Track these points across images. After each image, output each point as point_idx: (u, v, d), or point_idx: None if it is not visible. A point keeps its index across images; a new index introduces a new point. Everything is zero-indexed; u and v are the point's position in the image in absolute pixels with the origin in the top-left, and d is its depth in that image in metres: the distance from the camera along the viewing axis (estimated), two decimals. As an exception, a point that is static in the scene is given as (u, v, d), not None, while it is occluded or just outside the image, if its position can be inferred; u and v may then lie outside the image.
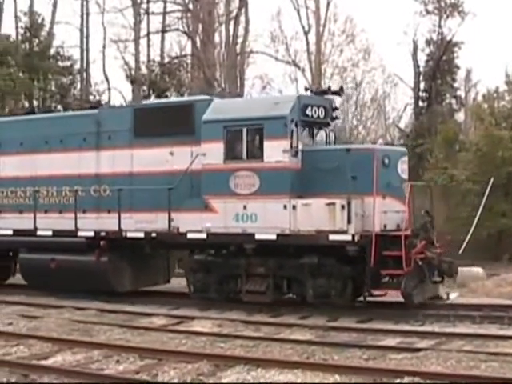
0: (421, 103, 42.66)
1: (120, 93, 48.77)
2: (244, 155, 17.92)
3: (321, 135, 19.05)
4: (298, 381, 10.91)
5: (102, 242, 20.00)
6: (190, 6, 44.87)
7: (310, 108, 18.08)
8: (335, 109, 19.26)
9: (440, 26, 41.82)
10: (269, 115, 17.64)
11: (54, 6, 45.80)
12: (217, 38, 45.70)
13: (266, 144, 17.57)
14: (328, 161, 17.45)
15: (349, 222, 16.58)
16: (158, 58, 45.61)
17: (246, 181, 17.80)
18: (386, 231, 16.95)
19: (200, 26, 43.83)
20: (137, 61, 44.31)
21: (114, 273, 20.21)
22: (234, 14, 45.60)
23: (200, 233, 18.26)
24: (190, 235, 18.44)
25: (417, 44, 43.14)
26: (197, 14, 43.73)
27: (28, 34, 41.35)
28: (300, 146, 17.78)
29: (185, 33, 45.69)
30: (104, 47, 47.71)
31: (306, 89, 20.30)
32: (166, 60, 44.56)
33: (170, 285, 21.67)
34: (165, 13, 46.19)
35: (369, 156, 17.01)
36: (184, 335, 14.59)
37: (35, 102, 41.15)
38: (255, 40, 50.18)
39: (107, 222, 20.05)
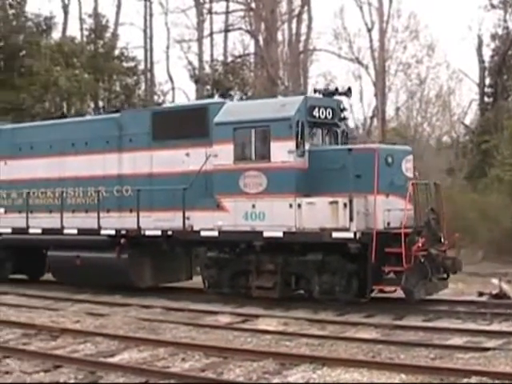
0: (486, 99, 42.08)
1: (184, 92, 49.14)
2: (252, 156, 18.62)
3: (331, 135, 19.46)
4: (364, 380, 10.83)
5: (122, 240, 20.87)
6: (253, 5, 44.90)
7: (317, 109, 18.57)
8: (343, 109, 19.59)
9: (505, 21, 41.19)
10: (275, 117, 18.27)
11: (118, 7, 46.36)
12: (280, 37, 45.68)
13: (273, 145, 18.20)
14: (332, 161, 17.98)
15: (351, 219, 17.04)
16: (221, 58, 45.80)
17: (254, 180, 18.49)
18: (390, 229, 17.25)
19: (263, 25, 43.80)
20: (200, 60, 44.50)
21: (134, 269, 21.06)
22: (296, 11, 45.58)
23: (212, 231, 18.97)
24: (203, 233, 19.17)
25: (481, 39, 42.62)
26: (259, 12, 43.72)
27: (93, 36, 41.91)
28: (307, 147, 18.30)
29: (248, 32, 45.75)
30: (168, 47, 48.11)
31: (315, 90, 20.43)
32: (230, 59, 44.69)
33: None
34: (227, 12, 46.31)
35: (371, 155, 17.38)
36: (249, 333, 14.61)
37: (100, 103, 41.67)
38: (318, 38, 50.15)
39: (128, 221, 20.86)
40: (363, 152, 18.04)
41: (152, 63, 46.70)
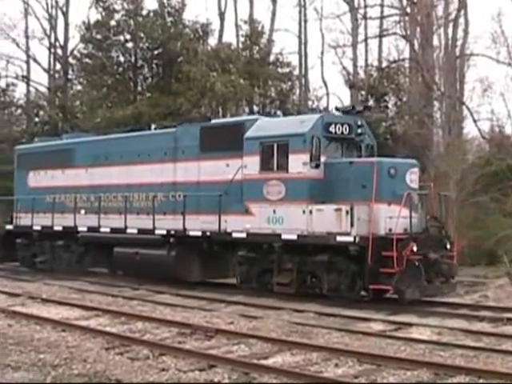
0: None
1: (338, 98, 49.07)
2: (274, 167, 21.05)
3: (353, 149, 21.57)
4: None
5: (171, 239, 23.80)
6: (408, 10, 44.22)
7: (333, 125, 20.77)
8: (360, 126, 21.28)
9: None
10: (293, 132, 20.72)
11: (273, 13, 46.74)
12: (435, 41, 44.65)
13: (291, 157, 20.59)
14: (340, 172, 20.22)
15: (352, 225, 19.13)
16: (375, 63, 45.22)
17: (275, 189, 20.96)
18: (389, 234, 18.98)
19: (418, 29, 43.10)
20: (355, 66, 44.14)
21: (181, 265, 23.89)
22: (453, 15, 44.50)
23: (241, 232, 21.60)
24: (234, 234, 21.85)
25: None
26: (415, 17, 43.02)
27: (248, 42, 42.51)
28: (323, 159, 20.51)
29: (403, 36, 44.96)
30: (322, 53, 47.98)
31: (337, 109, 23.00)
32: (384, 64, 44.21)
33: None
34: (382, 17, 45.68)
35: (371, 167, 19.40)
36: (402, 342, 14.42)
37: (255, 108, 42.20)
38: (475, 42, 48.92)
39: (179, 223, 23.56)
40: (364, 164, 20.15)
41: (306, 69, 46.83)
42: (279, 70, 42.49)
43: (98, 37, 45.35)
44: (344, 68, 46.48)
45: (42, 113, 52.06)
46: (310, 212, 19.97)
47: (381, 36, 45.98)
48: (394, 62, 43.98)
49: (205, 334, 14.98)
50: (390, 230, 18.96)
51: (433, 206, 21.01)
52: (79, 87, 50.71)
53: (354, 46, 44.58)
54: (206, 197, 22.73)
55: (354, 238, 19.08)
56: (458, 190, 32.08)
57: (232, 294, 21.80)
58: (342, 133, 20.99)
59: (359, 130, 21.31)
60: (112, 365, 12.18)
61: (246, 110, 41.73)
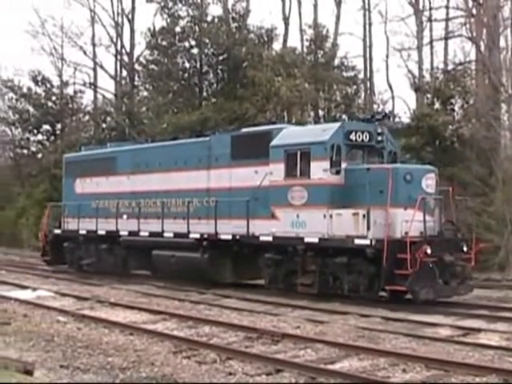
0: None
1: (404, 101, 48.71)
2: (298, 173, 21.91)
3: (375, 156, 22.31)
4: None
5: (204, 242, 24.82)
6: (474, 11, 43.72)
7: (353, 133, 21.55)
8: (380, 133, 21.99)
9: None
10: (314, 140, 21.59)
11: (337, 17, 46.61)
12: (502, 42, 44.14)
13: (312, 164, 21.46)
14: (359, 178, 20.86)
15: (368, 228, 19.86)
16: (441, 65, 44.76)
17: (298, 194, 21.85)
18: (405, 237, 19.52)
19: (484, 31, 42.58)
20: (420, 68, 43.74)
21: (214, 267, 24.84)
22: (519, 16, 43.92)
23: (268, 236, 22.62)
24: (261, 238, 22.89)
25: None
26: (481, 18, 42.52)
27: (313, 46, 42.49)
28: (343, 166, 21.34)
29: (469, 38, 44.47)
30: (387, 56, 47.82)
31: (358, 118, 24.34)
32: (450, 67, 43.70)
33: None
34: (447, 19, 45.12)
35: (386, 173, 20.07)
36: (470, 347, 14.19)
37: (320, 112, 42.15)
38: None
39: (212, 227, 24.64)
40: (380, 171, 20.72)
41: (371, 72, 46.55)
42: (344, 73, 42.41)
43: (164, 43, 45.92)
44: (409, 71, 46.30)
45: (109, 119, 52.88)
46: (330, 216, 20.83)
47: (446, 38, 45.50)
48: (460, 64, 43.41)
49: (271, 339, 14.94)
50: (407, 233, 19.61)
51: (451, 211, 21.48)
52: (145, 93, 51.42)
53: (420, 48, 44.24)
54: (236, 202, 23.75)
55: (371, 240, 19.82)
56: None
57: (298, 298, 21.76)
58: (363, 140, 21.78)
59: (379, 138, 22.04)
60: (179, 368, 12.27)
61: (311, 114, 41.71)
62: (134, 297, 22.85)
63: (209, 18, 45.71)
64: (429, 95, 39.57)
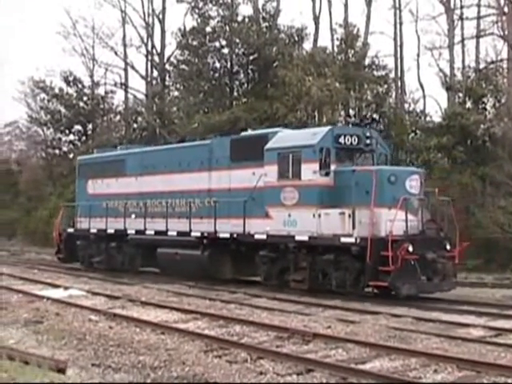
0: None
1: (435, 100, 48.40)
2: (290, 175, 23.14)
3: (365, 158, 23.40)
4: None
5: (204, 241, 26.27)
6: (506, 9, 43.35)
7: (342, 137, 22.74)
8: (368, 137, 23.13)
9: None
10: (304, 144, 22.84)
11: (368, 16, 46.30)
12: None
13: (303, 166, 22.69)
14: (346, 179, 21.95)
15: (353, 227, 21.03)
16: (473, 64, 44.43)
17: (290, 195, 23.09)
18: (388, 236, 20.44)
19: (516, 29, 42.25)
20: (452, 67, 43.43)
21: (214, 264, 26.31)
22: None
23: (262, 234, 23.93)
24: (256, 236, 24.21)
25: None
26: (513, 16, 42.20)
27: (343, 45, 42.32)
28: (333, 168, 22.47)
29: (500, 36, 44.19)
30: (418, 55, 47.44)
31: (348, 122, 25.50)
32: (482, 65, 43.40)
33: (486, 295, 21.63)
34: (479, 17, 44.76)
35: (371, 175, 21.07)
36: (503, 348, 14.04)
37: (351, 112, 42.02)
38: None
39: (212, 226, 26.02)
40: (364, 173, 21.71)
41: (402, 71, 46.20)
42: (375, 72, 42.11)
43: (194, 43, 46.04)
44: (441, 70, 45.98)
45: (140, 119, 53.20)
46: (319, 216, 22.04)
47: (478, 37, 45.13)
48: (492, 62, 43.17)
49: (302, 338, 14.91)
50: (391, 232, 20.42)
51: (436, 210, 22.65)
52: (176, 93, 51.56)
53: (451, 47, 43.94)
54: (235, 202, 25.00)
55: (356, 239, 20.95)
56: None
57: (329, 298, 21.74)
58: (351, 143, 22.93)
59: (368, 141, 23.11)
60: (210, 367, 12.25)
61: (342, 113, 41.58)
62: (165, 296, 22.92)
63: (239, 18, 45.75)
64: (460, 94, 39.38)
